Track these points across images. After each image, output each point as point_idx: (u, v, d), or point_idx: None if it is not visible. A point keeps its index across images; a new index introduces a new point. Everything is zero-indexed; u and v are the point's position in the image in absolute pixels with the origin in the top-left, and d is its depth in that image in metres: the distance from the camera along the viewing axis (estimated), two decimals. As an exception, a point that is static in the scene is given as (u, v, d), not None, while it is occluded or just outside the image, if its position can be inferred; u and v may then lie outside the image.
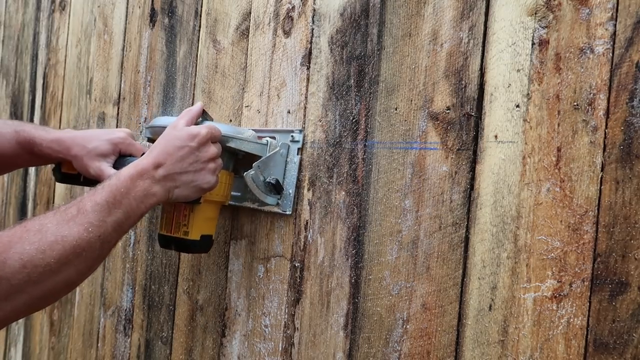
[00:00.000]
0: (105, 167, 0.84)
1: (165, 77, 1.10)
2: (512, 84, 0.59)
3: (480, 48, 0.62)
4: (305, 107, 0.81)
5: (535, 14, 0.58)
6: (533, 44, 0.58)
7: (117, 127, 1.24)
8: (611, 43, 0.53)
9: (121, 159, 0.86)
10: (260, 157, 0.80)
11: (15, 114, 1.75)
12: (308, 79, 0.81)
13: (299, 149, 0.81)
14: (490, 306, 0.60)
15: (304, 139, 0.81)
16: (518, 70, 0.59)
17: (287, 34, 0.85)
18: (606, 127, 0.53)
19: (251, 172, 0.78)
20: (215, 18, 0.99)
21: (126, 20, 1.24)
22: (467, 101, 0.63)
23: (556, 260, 0.55)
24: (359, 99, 0.74)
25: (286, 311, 0.82)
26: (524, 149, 0.58)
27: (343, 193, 0.75)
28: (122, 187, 0.66)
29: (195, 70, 1.03)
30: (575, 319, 0.54)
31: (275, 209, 0.83)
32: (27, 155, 0.89)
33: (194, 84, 1.03)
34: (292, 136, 0.82)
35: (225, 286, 0.93)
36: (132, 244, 1.17)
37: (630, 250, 0.51)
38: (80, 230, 0.60)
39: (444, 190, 0.65)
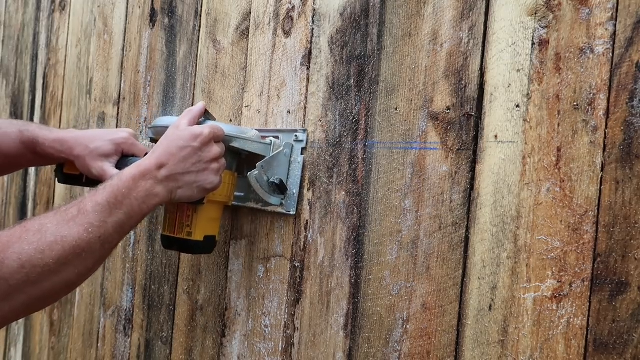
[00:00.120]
0: (108, 167, 0.83)
1: (165, 77, 1.10)
2: (512, 84, 0.59)
3: (480, 48, 0.62)
4: (305, 107, 0.81)
5: (535, 14, 0.58)
6: (533, 44, 0.58)
7: (117, 127, 1.24)
8: (611, 43, 0.53)
9: (124, 159, 0.85)
10: (263, 157, 0.80)
11: (15, 114, 1.75)
12: (308, 79, 0.81)
13: (302, 148, 0.81)
14: (490, 306, 0.60)
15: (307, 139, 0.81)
16: (518, 70, 0.59)
17: (287, 34, 0.85)
18: (606, 127, 0.53)
19: (255, 172, 0.78)
20: (215, 18, 0.99)
21: (126, 20, 1.24)
22: (467, 101, 0.63)
23: (556, 260, 0.55)
24: (359, 99, 0.74)
25: (286, 311, 0.82)
26: (524, 149, 0.58)
27: (343, 193, 0.75)
28: (123, 188, 0.65)
29: (195, 70, 1.03)
30: (575, 319, 0.54)
31: (279, 209, 0.83)
32: (30, 154, 0.88)
33: (194, 84, 1.03)
34: (295, 136, 0.81)
35: (225, 286, 0.93)
36: (132, 244, 1.17)
37: (630, 250, 0.51)
38: (80, 230, 0.59)
39: (444, 190, 0.65)
